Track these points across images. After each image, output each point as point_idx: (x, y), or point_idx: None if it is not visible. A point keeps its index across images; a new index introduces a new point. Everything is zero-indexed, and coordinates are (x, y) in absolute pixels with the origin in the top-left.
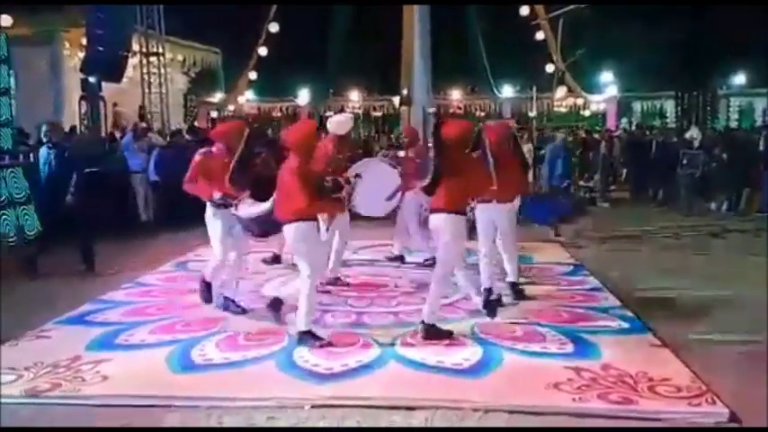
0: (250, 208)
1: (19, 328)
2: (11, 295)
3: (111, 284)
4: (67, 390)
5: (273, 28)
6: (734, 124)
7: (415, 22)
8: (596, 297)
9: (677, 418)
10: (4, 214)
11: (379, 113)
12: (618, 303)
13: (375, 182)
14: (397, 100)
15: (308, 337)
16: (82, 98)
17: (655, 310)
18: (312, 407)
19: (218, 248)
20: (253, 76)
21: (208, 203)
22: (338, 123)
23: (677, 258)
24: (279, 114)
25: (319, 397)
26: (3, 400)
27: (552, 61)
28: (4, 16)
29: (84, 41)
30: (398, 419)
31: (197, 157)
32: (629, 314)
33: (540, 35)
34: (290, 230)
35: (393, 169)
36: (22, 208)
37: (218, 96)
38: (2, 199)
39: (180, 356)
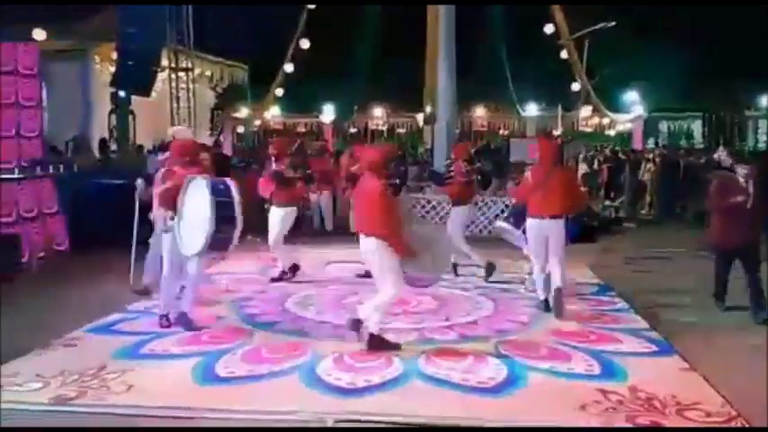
0: None
1: (47, 336)
2: (40, 303)
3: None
4: (93, 398)
5: (304, 44)
6: (762, 146)
7: (440, 41)
8: (623, 318)
9: None
10: (33, 226)
11: (403, 130)
12: (646, 325)
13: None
14: (420, 117)
15: (375, 340)
16: (112, 111)
17: (684, 333)
18: (335, 422)
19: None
20: (279, 92)
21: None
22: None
23: (706, 280)
24: (303, 130)
25: (343, 412)
26: (30, 407)
27: (577, 80)
28: (37, 30)
29: (114, 56)
30: None
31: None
32: (658, 337)
33: (564, 54)
34: (374, 246)
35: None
36: (51, 220)
37: (244, 111)
38: (31, 211)
39: (205, 368)
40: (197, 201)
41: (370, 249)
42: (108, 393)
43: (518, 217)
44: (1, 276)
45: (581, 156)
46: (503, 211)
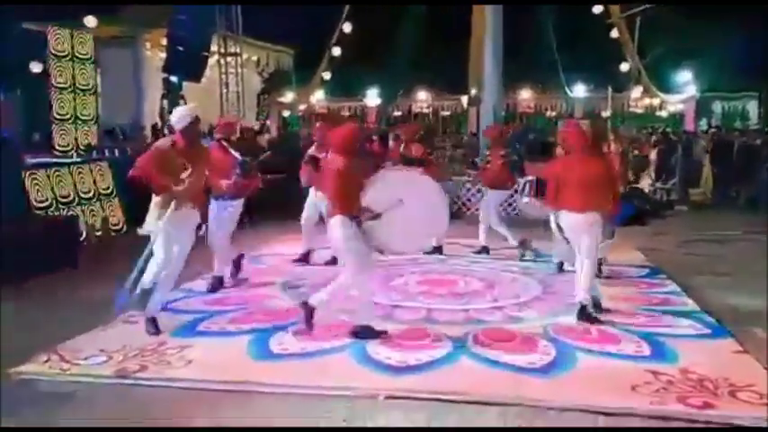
0: None
1: (107, 314)
2: (98, 283)
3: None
4: (154, 372)
5: (347, 28)
6: None
7: (487, 21)
8: (674, 301)
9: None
10: (91, 207)
11: (447, 113)
12: (697, 308)
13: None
14: (465, 100)
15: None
16: (163, 96)
17: (737, 316)
18: (386, 398)
19: None
20: (326, 76)
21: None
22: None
23: (760, 263)
24: (347, 114)
25: (394, 389)
26: (95, 380)
27: (627, 60)
28: (89, 17)
29: (164, 42)
30: (471, 415)
31: None
32: (710, 319)
33: (615, 33)
34: (583, 222)
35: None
36: (107, 201)
37: (289, 96)
38: (89, 192)
39: (259, 345)
40: (405, 195)
41: (589, 222)
42: (168, 368)
43: None
44: (66, 262)
45: (653, 138)
46: None
